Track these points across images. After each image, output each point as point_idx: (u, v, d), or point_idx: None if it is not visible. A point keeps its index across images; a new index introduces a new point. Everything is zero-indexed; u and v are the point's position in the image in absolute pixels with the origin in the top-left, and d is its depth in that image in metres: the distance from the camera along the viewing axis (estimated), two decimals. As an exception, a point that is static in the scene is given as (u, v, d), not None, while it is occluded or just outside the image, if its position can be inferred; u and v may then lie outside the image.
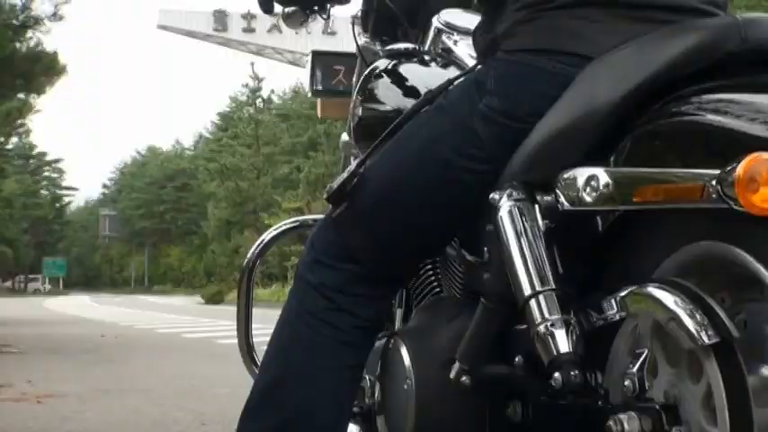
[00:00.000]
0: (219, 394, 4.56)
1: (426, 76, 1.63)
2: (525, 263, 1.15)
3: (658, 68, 1.06)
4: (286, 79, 69.01)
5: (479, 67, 1.40)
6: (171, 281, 74.94)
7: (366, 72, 1.74)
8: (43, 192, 78.35)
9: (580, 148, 1.13)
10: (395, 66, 1.68)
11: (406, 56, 1.70)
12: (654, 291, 1.00)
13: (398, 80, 1.68)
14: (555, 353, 1.08)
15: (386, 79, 1.68)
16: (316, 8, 1.73)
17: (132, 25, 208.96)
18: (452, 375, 1.28)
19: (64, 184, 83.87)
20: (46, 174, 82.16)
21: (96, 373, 5.75)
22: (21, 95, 15.07)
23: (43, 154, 79.53)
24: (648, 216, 1.06)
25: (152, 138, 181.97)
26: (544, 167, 1.17)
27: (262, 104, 46.57)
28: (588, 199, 1.07)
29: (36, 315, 19.47)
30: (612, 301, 1.07)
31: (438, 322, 1.43)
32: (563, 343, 1.08)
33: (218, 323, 13.81)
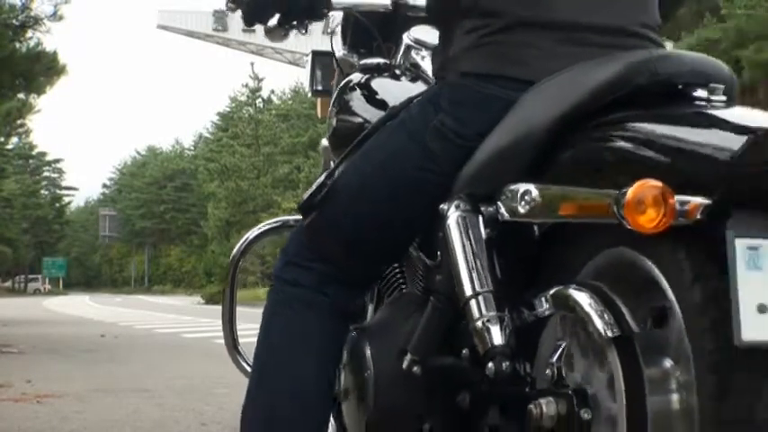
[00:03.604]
0: (219, 394, 4.56)
1: (396, 90, 1.74)
2: (468, 267, 1.31)
3: (581, 98, 1.21)
4: (286, 79, 69.08)
5: (435, 85, 1.55)
6: (171, 281, 74.88)
7: (342, 84, 1.88)
8: (43, 192, 78.16)
9: (519, 166, 1.27)
10: (368, 80, 1.82)
11: (379, 70, 1.83)
12: (572, 291, 1.17)
13: (370, 93, 1.81)
14: (489, 345, 1.24)
15: (358, 92, 1.82)
16: (294, 23, 1.82)
17: (132, 25, 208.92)
18: (404, 365, 1.42)
19: (64, 184, 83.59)
20: (46, 174, 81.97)
21: (96, 373, 5.75)
22: (21, 95, 15.07)
23: (43, 154, 79.41)
24: (573, 226, 1.21)
25: (152, 138, 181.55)
26: (488, 182, 1.32)
27: (262, 104, 46.55)
28: (522, 211, 1.23)
29: (36, 315, 19.47)
30: (541, 299, 1.23)
31: (396, 318, 1.56)
32: (497, 337, 1.25)
33: (218, 323, 13.73)
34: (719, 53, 32.04)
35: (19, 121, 16.94)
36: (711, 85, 1.16)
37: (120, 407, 4.04)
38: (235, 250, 2.12)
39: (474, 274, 1.30)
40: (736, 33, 29.66)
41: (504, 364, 1.23)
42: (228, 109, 55.85)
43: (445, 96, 1.43)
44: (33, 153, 77.64)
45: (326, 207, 1.49)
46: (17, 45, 13.19)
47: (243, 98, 48.68)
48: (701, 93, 1.16)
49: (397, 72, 1.84)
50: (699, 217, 1.01)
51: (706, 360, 1.00)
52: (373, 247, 1.50)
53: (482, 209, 1.33)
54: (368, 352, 1.52)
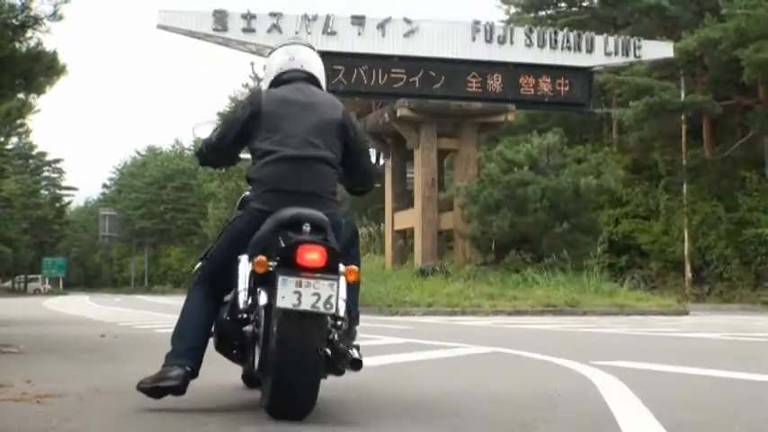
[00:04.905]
0: (219, 394, 4.57)
1: None
2: (241, 279, 3.61)
3: (278, 222, 3.56)
4: (286, 79, 68.73)
5: (243, 209, 3.99)
6: (171, 281, 74.84)
7: (242, 195, 4.13)
8: (43, 192, 77.98)
9: (263, 246, 3.55)
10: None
11: None
12: (277, 288, 3.40)
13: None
14: (240, 307, 3.59)
15: (242, 200, 4.11)
16: (222, 163, 4.32)
17: (132, 25, 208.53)
18: (224, 316, 3.77)
19: (64, 184, 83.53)
20: (46, 174, 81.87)
21: (96, 373, 5.74)
22: (21, 95, 15.05)
23: (43, 154, 79.37)
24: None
25: (152, 138, 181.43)
26: (258, 250, 3.54)
27: (262, 104, 46.35)
28: (271, 262, 3.46)
29: (36, 315, 19.48)
30: (265, 291, 3.54)
31: (229, 301, 3.74)
32: (242, 304, 3.58)
33: (218, 323, 13.75)
34: (719, 53, 31.97)
35: (19, 121, 16.90)
36: (306, 223, 3.47)
37: (120, 407, 4.04)
38: (196, 267, 4.17)
39: (242, 282, 3.57)
40: (736, 33, 29.62)
41: (244, 315, 3.55)
42: (228, 109, 55.75)
43: (244, 216, 3.88)
44: (33, 153, 77.52)
45: (210, 260, 3.97)
46: (17, 45, 13.18)
47: (243, 98, 48.62)
48: (304, 226, 3.47)
49: None
50: (276, 268, 3.39)
51: (278, 315, 3.37)
52: (224, 278, 3.74)
53: (253, 260, 3.47)
54: (218, 313, 3.87)
